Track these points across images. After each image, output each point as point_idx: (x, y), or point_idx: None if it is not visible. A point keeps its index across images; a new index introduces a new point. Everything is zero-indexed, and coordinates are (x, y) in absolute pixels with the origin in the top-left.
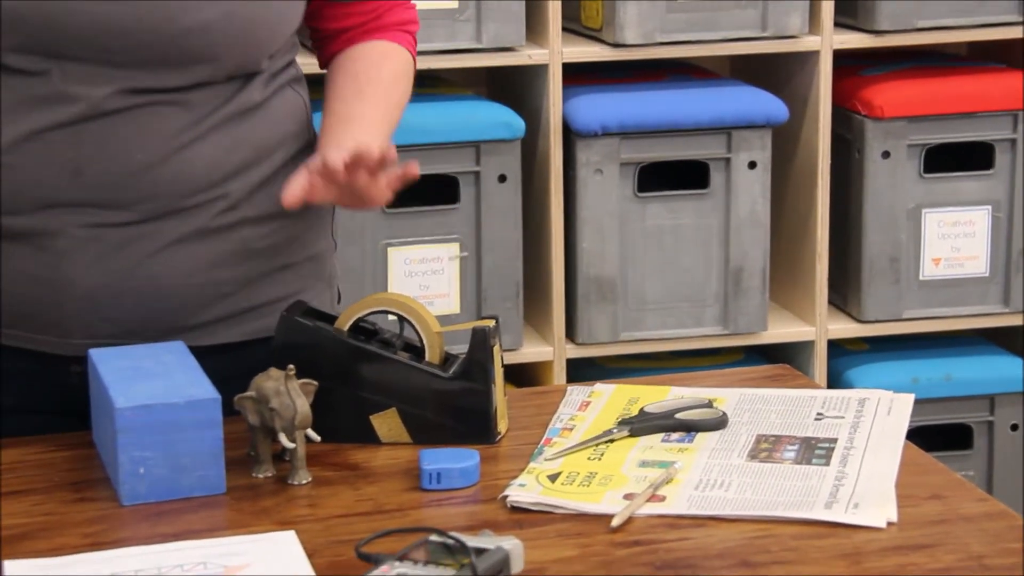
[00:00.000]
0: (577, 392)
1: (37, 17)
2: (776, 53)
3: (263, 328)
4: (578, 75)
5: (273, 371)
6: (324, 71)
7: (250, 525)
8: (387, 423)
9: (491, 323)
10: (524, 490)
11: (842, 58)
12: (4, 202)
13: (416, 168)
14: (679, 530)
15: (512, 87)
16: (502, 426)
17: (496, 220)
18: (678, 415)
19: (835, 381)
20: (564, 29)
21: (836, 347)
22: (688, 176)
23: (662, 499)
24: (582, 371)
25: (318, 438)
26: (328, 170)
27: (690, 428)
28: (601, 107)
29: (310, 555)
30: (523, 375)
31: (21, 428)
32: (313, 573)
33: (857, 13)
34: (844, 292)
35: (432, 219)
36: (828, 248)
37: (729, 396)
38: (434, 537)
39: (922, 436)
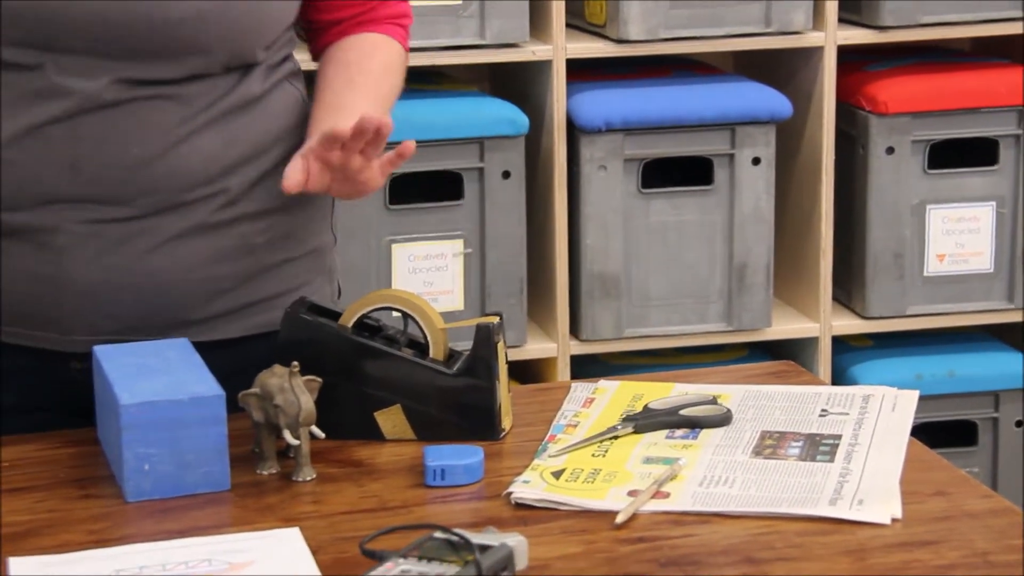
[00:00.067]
0: (581, 389)
1: (30, 10)
2: (780, 49)
3: (264, 323)
4: (582, 71)
5: (277, 368)
6: (315, 63)
7: (254, 522)
8: (391, 420)
9: (495, 319)
10: (528, 487)
11: (846, 54)
12: (3, 199)
13: (412, 145)
14: (683, 527)
15: (516, 83)
16: (506, 423)
17: (500, 216)
18: (682, 411)
19: (839, 377)
20: (568, 25)
21: (840, 343)
22: (692, 172)
23: (666, 496)
24: (586, 368)
25: (322, 435)
26: (334, 137)
27: (694, 424)
28: (605, 103)
29: (314, 552)
30: (527, 372)
31: (22, 426)
32: (317, 570)
33: (861, 9)
34: (848, 288)
35: (436, 215)
36: (832, 244)
37: (733, 392)
38: (438, 534)
39: (926, 432)
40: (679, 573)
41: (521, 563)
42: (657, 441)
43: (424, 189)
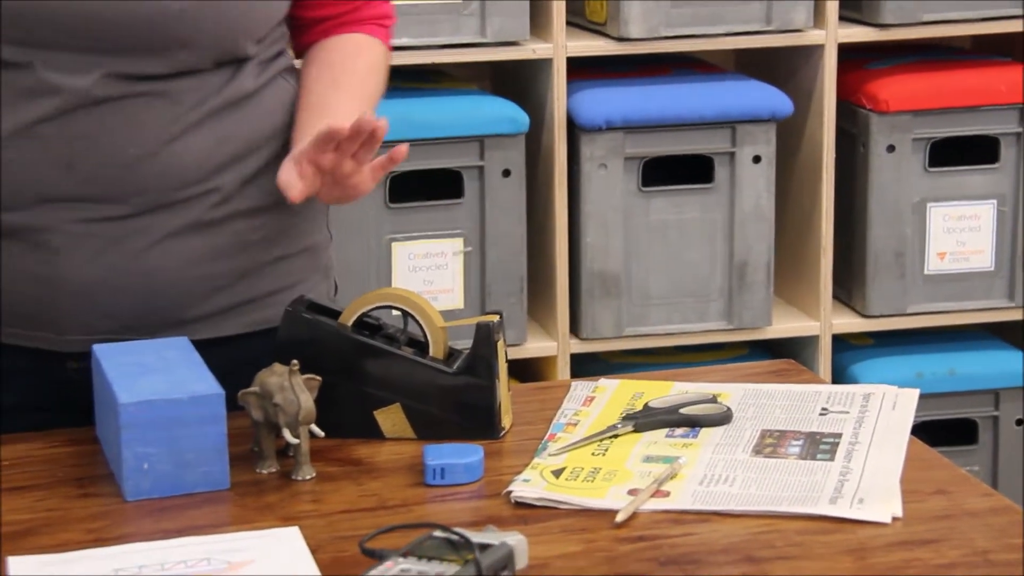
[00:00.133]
0: (581, 387)
1: (17, 8)
2: (781, 47)
3: (260, 320)
4: (582, 69)
5: (277, 366)
6: (297, 60)
7: (254, 521)
8: (391, 418)
9: (495, 318)
10: (528, 485)
11: (847, 52)
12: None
13: (404, 149)
14: (683, 525)
15: (516, 81)
16: (506, 421)
17: (500, 215)
18: (682, 410)
19: (840, 376)
20: (568, 23)
21: (841, 342)
22: (692, 170)
23: (666, 494)
24: (586, 366)
25: (322, 433)
26: (330, 135)
27: (694, 423)
28: (605, 101)
29: (314, 551)
30: (527, 370)
31: (21, 426)
32: (316, 569)
33: (862, 7)
34: (849, 287)
35: (436, 214)
36: (833, 243)
37: (733, 391)
38: (438, 533)
39: (927, 431)
40: (679, 572)
41: (521, 562)
42: (657, 440)
43: (424, 187)
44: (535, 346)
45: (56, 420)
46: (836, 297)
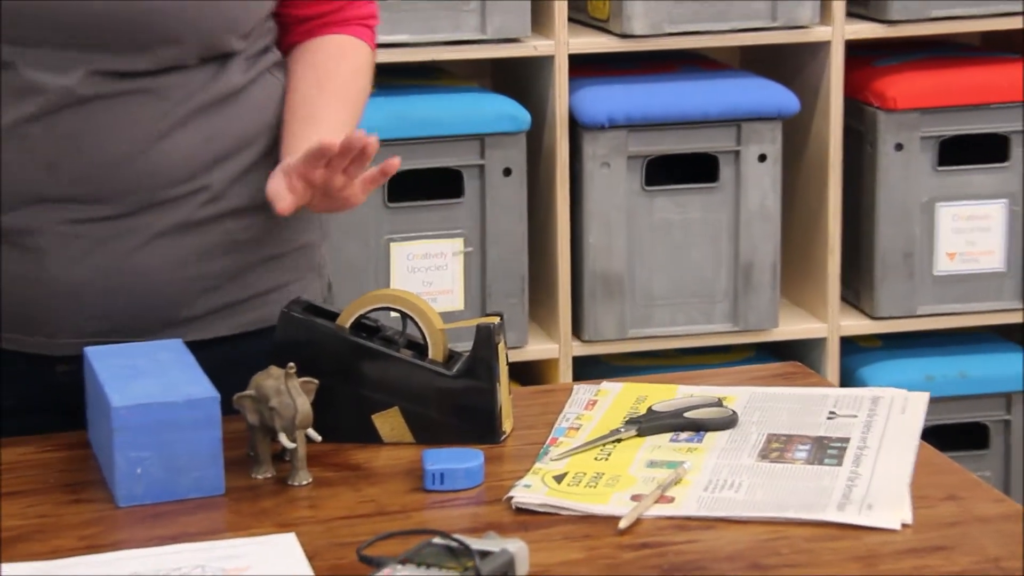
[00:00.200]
0: (583, 391)
1: None
2: (787, 44)
3: (253, 321)
4: (584, 67)
5: (273, 369)
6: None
7: (249, 527)
8: (389, 422)
9: (496, 320)
10: (529, 491)
11: (854, 49)
12: None
13: (396, 162)
14: (688, 532)
15: (517, 79)
16: (507, 425)
17: (501, 214)
18: (687, 414)
19: (848, 379)
20: (570, 20)
21: (849, 344)
22: (697, 169)
23: (670, 500)
24: (588, 369)
25: (319, 438)
26: (321, 151)
27: (699, 427)
28: (608, 99)
29: (311, 558)
30: (528, 373)
31: (9, 430)
32: None
33: (869, 3)
34: (856, 288)
35: (436, 213)
36: (840, 243)
37: (739, 395)
38: (437, 539)
39: (937, 435)
40: None
41: (522, 569)
42: (661, 444)
43: (423, 186)
44: (536, 348)
45: (46, 424)
46: (844, 298)
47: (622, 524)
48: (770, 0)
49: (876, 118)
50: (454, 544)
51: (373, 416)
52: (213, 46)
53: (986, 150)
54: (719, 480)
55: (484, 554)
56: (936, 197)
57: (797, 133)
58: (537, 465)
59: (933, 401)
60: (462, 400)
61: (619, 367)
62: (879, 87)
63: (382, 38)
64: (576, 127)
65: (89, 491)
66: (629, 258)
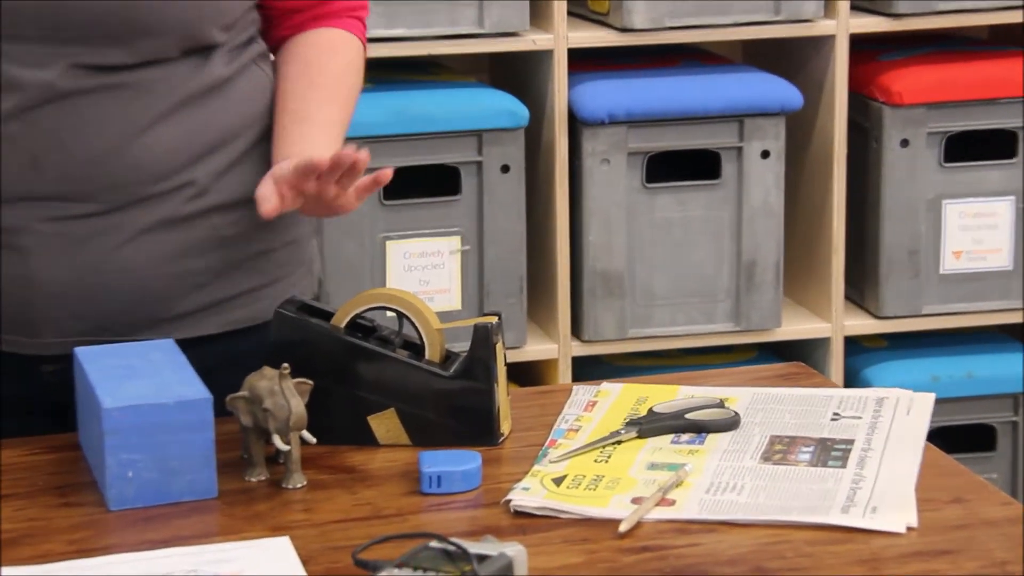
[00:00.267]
0: (583, 391)
1: None
2: (790, 38)
3: (242, 318)
4: (584, 61)
5: (267, 370)
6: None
7: (242, 531)
8: (385, 424)
9: (493, 320)
10: (528, 494)
11: (859, 43)
12: None
13: (389, 172)
14: (689, 535)
15: (516, 74)
16: (505, 427)
17: (499, 212)
18: (688, 415)
19: (852, 380)
20: (569, 13)
21: (853, 344)
22: (699, 166)
23: (672, 503)
24: (588, 369)
25: (313, 440)
26: (311, 167)
27: (701, 429)
28: (608, 94)
29: (305, 562)
30: (527, 374)
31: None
32: None
33: None
34: (861, 287)
35: (432, 211)
36: (844, 241)
37: (741, 395)
38: (434, 543)
39: (943, 437)
40: None
41: (520, 573)
42: (662, 446)
43: (420, 184)
44: (535, 348)
45: (33, 425)
46: (848, 297)
47: (622, 527)
48: None
49: (881, 113)
50: (451, 548)
51: (369, 418)
52: (194, 38)
53: (993, 146)
54: (721, 482)
55: (482, 558)
56: (942, 194)
57: (801, 129)
58: (536, 467)
59: (939, 402)
60: (459, 401)
61: (619, 367)
62: (884, 82)
63: (378, 32)
64: (575, 123)
65: (79, 494)
66: (629, 256)
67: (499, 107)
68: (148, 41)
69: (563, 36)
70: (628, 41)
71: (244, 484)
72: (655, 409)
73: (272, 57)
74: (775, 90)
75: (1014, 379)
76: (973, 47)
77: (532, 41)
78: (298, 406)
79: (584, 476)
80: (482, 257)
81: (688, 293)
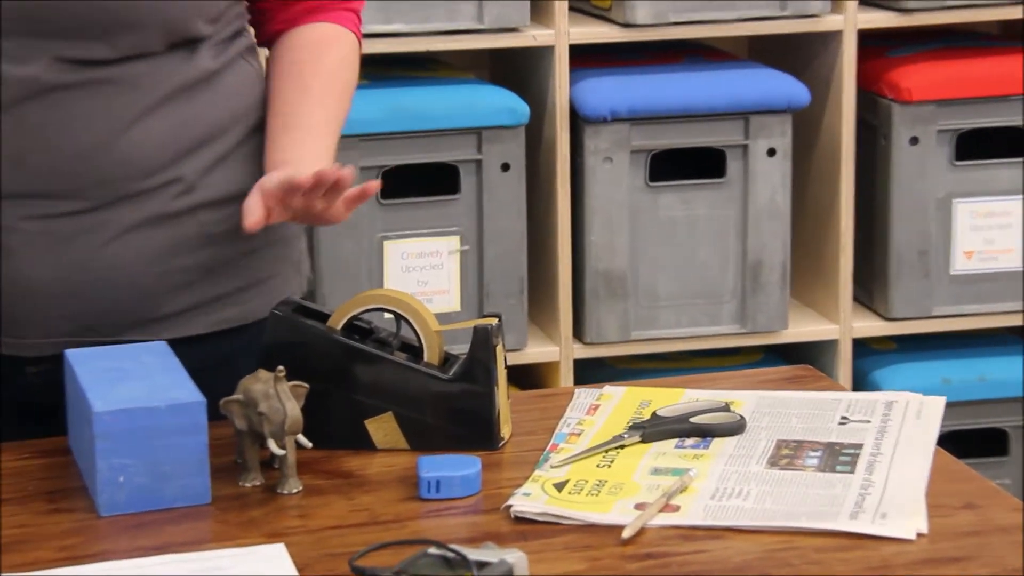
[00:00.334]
0: (585, 395)
1: None
2: (797, 33)
3: (230, 318)
4: (586, 57)
5: (262, 373)
6: (263, 48)
7: (237, 537)
8: (383, 428)
9: (493, 321)
10: (529, 499)
11: (867, 38)
12: None
13: (376, 186)
14: (694, 542)
15: (516, 70)
16: (505, 431)
17: (499, 212)
18: (693, 419)
19: (861, 383)
20: (571, 8)
21: (861, 346)
22: (703, 164)
23: (676, 509)
24: (590, 372)
25: (309, 444)
26: (292, 186)
27: (706, 433)
28: (610, 91)
29: (300, 569)
30: (528, 377)
31: None
32: None
33: None
34: (870, 288)
35: (431, 210)
36: (853, 241)
37: (747, 399)
38: (433, 550)
39: (954, 441)
40: None
41: None
42: (666, 451)
43: (418, 182)
44: (536, 351)
45: (17, 428)
46: (856, 299)
47: (625, 534)
48: None
49: (890, 111)
50: (451, 555)
51: (366, 421)
52: (177, 32)
53: (1005, 144)
54: (726, 488)
55: (482, 565)
56: (953, 193)
57: (808, 126)
58: (537, 472)
59: (950, 406)
60: (458, 405)
61: (622, 370)
62: (893, 78)
63: (375, 28)
64: (577, 120)
65: (70, 500)
66: (632, 257)
67: (499, 104)
68: (131, 35)
69: (564, 32)
70: (631, 37)
71: (238, 489)
72: (659, 413)
73: (259, 51)
74: (781, 87)
75: None
76: (984, 43)
77: (533, 37)
78: (293, 410)
79: (586, 481)
80: (482, 257)
81: (693, 294)
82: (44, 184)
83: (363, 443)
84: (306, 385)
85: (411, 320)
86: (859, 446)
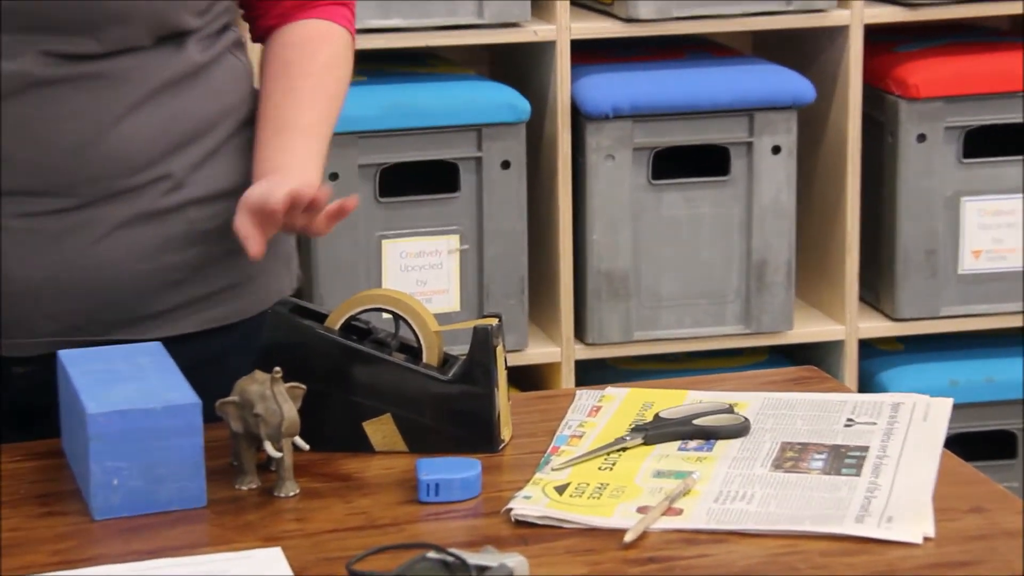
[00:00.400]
0: (587, 396)
1: None
2: (802, 28)
3: (220, 316)
4: (587, 53)
5: (258, 374)
6: (256, 43)
7: (233, 541)
8: (381, 430)
9: (494, 322)
10: (529, 503)
11: (874, 33)
12: None
13: (354, 201)
14: (697, 546)
15: (516, 66)
16: (505, 433)
17: (499, 210)
18: (696, 421)
19: (867, 384)
20: (572, 3)
21: (868, 347)
22: (707, 162)
23: (679, 512)
24: (592, 373)
25: (306, 446)
26: (267, 210)
27: (709, 435)
28: (613, 87)
29: (298, 573)
30: (528, 378)
31: None
32: None
33: None
34: (876, 288)
35: (430, 209)
36: (859, 240)
37: (751, 400)
38: (432, 554)
39: (961, 444)
40: None
41: None
42: (669, 453)
43: (417, 180)
44: (537, 352)
45: (4, 430)
46: (862, 299)
47: (628, 538)
48: None
49: (897, 107)
50: (450, 559)
51: (364, 423)
52: (166, 25)
53: (1014, 141)
54: (730, 491)
55: (482, 569)
56: (961, 191)
57: (813, 123)
58: (538, 475)
59: (957, 407)
60: (458, 406)
61: (624, 371)
62: (900, 74)
63: (373, 23)
64: (579, 117)
65: (63, 503)
66: (635, 256)
67: (499, 101)
68: (118, 29)
69: (566, 27)
70: (633, 32)
71: (234, 492)
72: (661, 414)
73: (251, 46)
74: (786, 83)
75: None
76: (993, 38)
77: (533, 32)
78: (290, 411)
79: (588, 484)
80: (482, 257)
81: (696, 294)
82: (31, 181)
83: (361, 445)
84: (303, 386)
85: (410, 320)
86: (865, 448)
